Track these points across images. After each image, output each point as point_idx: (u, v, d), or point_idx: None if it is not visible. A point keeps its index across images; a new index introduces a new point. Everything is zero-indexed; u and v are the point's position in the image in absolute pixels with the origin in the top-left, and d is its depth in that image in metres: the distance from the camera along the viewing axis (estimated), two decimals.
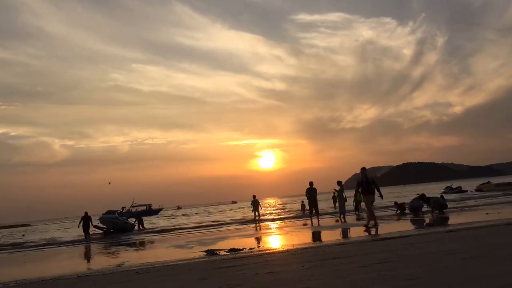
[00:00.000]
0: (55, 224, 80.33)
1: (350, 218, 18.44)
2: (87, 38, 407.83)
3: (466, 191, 39.92)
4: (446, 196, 34.85)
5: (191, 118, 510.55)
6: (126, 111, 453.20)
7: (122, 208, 72.55)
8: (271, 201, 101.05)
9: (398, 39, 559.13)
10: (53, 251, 16.85)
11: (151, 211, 70.55)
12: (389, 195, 43.06)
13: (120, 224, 25.60)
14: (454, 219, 12.79)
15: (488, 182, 40.88)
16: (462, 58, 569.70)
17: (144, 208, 72.50)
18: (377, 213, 20.17)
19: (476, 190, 38.90)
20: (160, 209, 74.96)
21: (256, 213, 23.13)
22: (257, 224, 20.85)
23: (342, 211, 18.55)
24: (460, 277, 3.82)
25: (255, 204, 23.10)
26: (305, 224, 17.69)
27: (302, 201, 28.01)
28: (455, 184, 54.10)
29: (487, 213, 13.62)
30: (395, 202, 20.50)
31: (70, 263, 11.59)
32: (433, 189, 53.19)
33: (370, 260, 5.41)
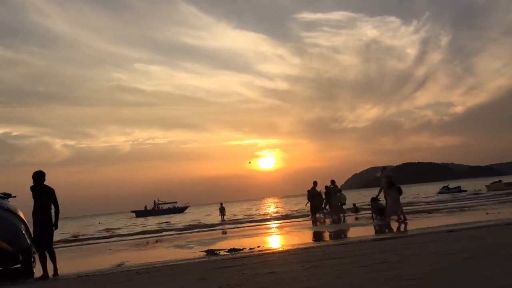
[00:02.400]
0: None
1: (348, 218, 18.43)
2: (90, 38, 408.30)
3: (465, 191, 39.80)
4: (442, 196, 34.87)
5: (193, 118, 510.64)
6: (128, 111, 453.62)
7: (145, 207, 72.38)
8: (270, 200, 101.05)
9: (402, 38, 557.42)
10: None
11: (177, 209, 70.24)
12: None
13: None
14: (454, 219, 12.79)
15: (500, 181, 39.44)
16: (465, 58, 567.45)
17: (169, 206, 72.12)
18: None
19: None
20: (186, 207, 74.38)
21: (224, 218, 26.96)
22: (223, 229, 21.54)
23: (336, 211, 18.30)
24: (460, 277, 3.81)
25: (222, 210, 27.21)
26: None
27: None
28: (455, 184, 53.98)
29: (487, 213, 13.63)
30: None
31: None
32: (432, 189, 53.15)
33: (370, 260, 5.40)
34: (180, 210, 70.02)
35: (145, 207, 71.90)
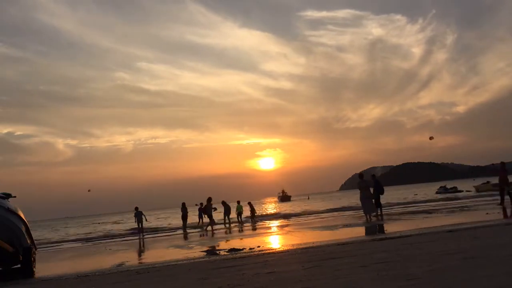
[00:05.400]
0: (53, 222, 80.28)
1: (355, 217, 18.41)
2: (95, 36, 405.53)
3: (462, 191, 40.06)
4: (440, 197, 34.97)
5: (196, 118, 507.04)
6: (131, 111, 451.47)
7: (201, 204, 73.24)
8: (269, 200, 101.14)
9: (407, 37, 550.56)
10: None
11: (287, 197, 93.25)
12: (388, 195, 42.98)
13: None
14: (454, 219, 12.79)
15: (488, 182, 40.48)
16: (470, 57, 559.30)
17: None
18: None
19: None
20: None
21: (140, 225, 21.67)
22: (141, 237, 19.92)
23: (368, 210, 15.56)
24: (460, 277, 3.82)
25: (139, 216, 21.61)
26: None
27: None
28: (453, 184, 54.09)
29: (487, 213, 13.63)
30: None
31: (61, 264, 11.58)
32: (431, 190, 53.16)
33: (370, 260, 5.41)
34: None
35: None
